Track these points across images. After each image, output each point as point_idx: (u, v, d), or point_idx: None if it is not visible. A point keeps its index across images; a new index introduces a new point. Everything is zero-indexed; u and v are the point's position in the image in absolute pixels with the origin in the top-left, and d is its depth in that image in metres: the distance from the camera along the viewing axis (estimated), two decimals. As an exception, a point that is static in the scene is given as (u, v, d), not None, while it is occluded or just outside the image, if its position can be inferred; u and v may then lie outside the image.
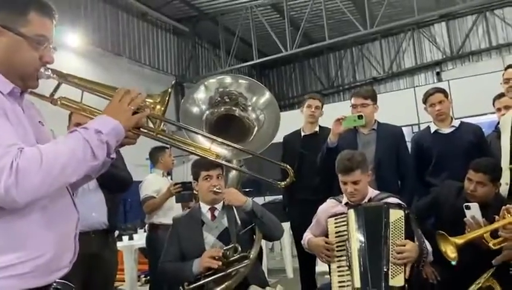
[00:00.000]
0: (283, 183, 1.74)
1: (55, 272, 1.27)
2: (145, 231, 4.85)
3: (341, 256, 2.46)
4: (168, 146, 3.71)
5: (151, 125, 1.42)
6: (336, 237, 2.51)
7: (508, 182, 2.72)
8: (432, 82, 10.96)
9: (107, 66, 8.59)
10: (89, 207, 2.71)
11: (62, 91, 1.40)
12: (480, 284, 2.31)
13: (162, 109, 1.40)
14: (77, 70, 6.08)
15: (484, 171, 2.61)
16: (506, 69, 3.11)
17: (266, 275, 2.98)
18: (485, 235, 2.29)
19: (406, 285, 2.26)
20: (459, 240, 2.28)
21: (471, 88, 7.32)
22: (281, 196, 4.98)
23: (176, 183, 3.99)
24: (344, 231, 2.48)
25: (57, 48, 1.38)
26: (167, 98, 1.42)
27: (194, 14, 10.67)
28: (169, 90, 1.42)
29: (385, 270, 2.28)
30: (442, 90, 3.32)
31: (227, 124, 2.54)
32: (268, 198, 6.85)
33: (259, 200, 6.24)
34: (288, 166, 1.83)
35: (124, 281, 4.96)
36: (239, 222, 2.44)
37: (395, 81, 12.31)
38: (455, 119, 3.35)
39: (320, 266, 3.45)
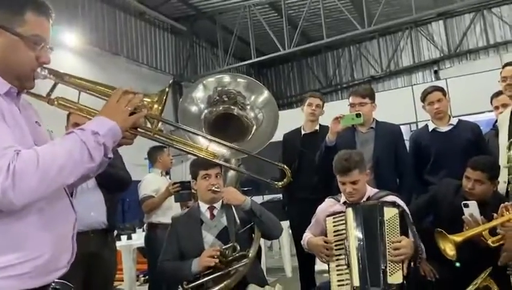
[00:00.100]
0: (280, 183, 1.72)
1: (53, 272, 1.27)
2: (143, 231, 4.83)
3: (340, 255, 2.46)
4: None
5: (148, 125, 1.42)
6: (335, 235, 2.51)
7: (506, 180, 2.72)
8: (429, 80, 10.96)
9: (105, 65, 8.57)
10: (88, 207, 2.71)
11: (59, 91, 1.40)
12: (477, 285, 2.31)
13: (160, 108, 1.40)
14: (74, 69, 6.08)
15: (482, 169, 2.62)
16: (503, 67, 3.12)
17: (265, 274, 2.98)
18: (483, 233, 2.30)
19: (404, 282, 2.27)
20: (458, 238, 2.28)
21: (469, 86, 7.32)
22: (279, 195, 4.98)
23: (174, 183, 3.98)
24: (342, 229, 2.48)
25: (54, 48, 1.37)
26: (165, 98, 1.41)
27: (191, 13, 10.65)
28: (167, 89, 1.41)
29: (383, 267, 2.30)
30: (440, 89, 3.33)
31: (225, 123, 2.53)
32: (267, 197, 6.85)
33: (258, 199, 6.23)
34: (285, 166, 1.82)
35: (122, 280, 4.96)
36: (238, 221, 2.43)
37: (393, 79, 12.31)
38: (453, 117, 3.36)
39: (320, 265, 3.45)
